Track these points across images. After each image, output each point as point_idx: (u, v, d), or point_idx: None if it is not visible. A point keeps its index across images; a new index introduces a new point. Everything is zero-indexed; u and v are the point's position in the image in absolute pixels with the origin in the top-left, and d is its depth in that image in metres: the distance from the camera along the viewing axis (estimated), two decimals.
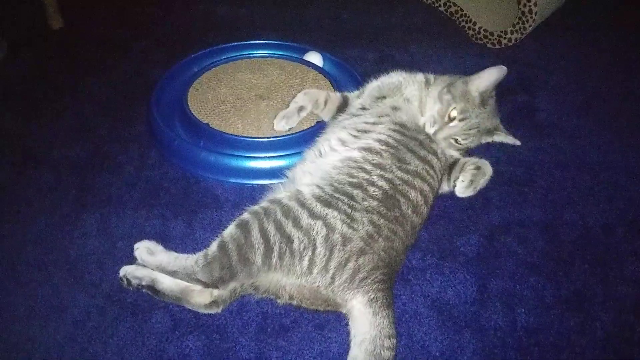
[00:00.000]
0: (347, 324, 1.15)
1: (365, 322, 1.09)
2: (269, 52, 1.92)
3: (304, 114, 1.51)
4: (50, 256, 1.31)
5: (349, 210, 1.14)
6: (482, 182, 1.36)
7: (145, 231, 1.37)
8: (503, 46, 2.14)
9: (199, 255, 1.15)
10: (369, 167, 1.22)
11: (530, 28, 2.06)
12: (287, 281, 1.14)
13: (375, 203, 1.16)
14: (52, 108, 1.80)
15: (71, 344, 1.14)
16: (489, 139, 1.39)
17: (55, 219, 1.41)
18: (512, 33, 2.10)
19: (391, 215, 1.16)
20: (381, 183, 1.19)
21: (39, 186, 1.50)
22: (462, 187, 1.35)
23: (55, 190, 1.49)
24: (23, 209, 1.44)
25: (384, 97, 1.41)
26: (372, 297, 1.10)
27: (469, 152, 1.44)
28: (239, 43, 1.92)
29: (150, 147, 1.62)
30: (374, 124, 1.33)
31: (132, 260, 1.23)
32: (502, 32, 2.12)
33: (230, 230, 1.15)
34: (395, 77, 1.46)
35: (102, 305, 1.21)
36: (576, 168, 1.61)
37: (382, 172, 1.21)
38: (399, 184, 1.20)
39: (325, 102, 1.51)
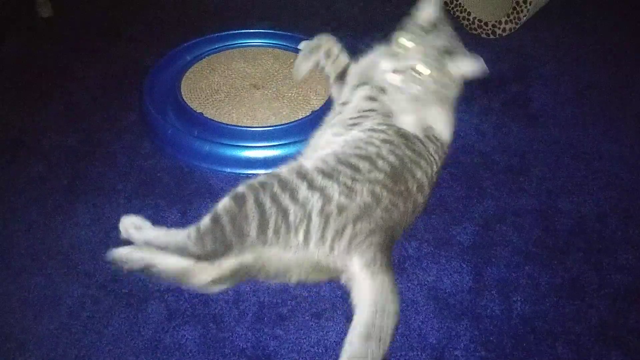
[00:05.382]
0: (344, 312, 1.15)
1: (365, 285, 1.09)
2: (264, 41, 1.90)
3: (320, 53, 1.57)
4: (42, 246, 1.30)
5: (349, 183, 1.12)
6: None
7: None
8: (497, 36, 2.14)
9: (191, 229, 1.13)
10: (377, 142, 1.20)
11: (524, 18, 2.05)
12: (285, 256, 1.12)
13: (381, 176, 1.14)
14: (42, 96, 1.77)
15: (65, 334, 1.13)
16: (453, 66, 1.27)
17: (47, 209, 1.39)
18: (506, 23, 2.10)
19: (396, 189, 1.15)
20: (392, 159, 1.17)
21: (30, 175, 1.48)
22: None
23: (47, 179, 1.47)
24: (14, 198, 1.42)
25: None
26: (369, 257, 1.10)
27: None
28: (233, 32, 1.90)
29: (143, 136, 1.61)
30: (364, 117, 1.30)
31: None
32: (496, 22, 2.12)
33: (224, 202, 1.13)
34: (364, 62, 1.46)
35: (96, 296, 1.20)
36: (570, 157, 1.61)
37: (391, 148, 1.19)
38: (408, 162, 1.19)
39: (337, 56, 1.55)
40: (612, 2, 2.46)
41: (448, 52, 1.27)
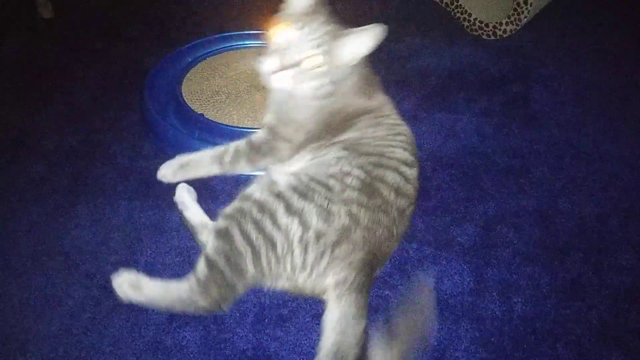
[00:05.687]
0: None
1: (332, 306, 1.05)
2: (264, 42, 1.90)
3: None
4: (43, 247, 1.30)
5: (325, 203, 1.07)
6: None
7: (140, 222, 1.36)
8: (498, 37, 2.14)
9: (191, 281, 1.09)
10: (332, 160, 1.15)
11: (525, 19, 2.05)
12: (278, 284, 1.12)
13: (354, 194, 1.08)
14: (42, 96, 1.77)
15: (66, 335, 1.13)
16: (344, 49, 1.16)
17: (48, 209, 1.39)
18: (507, 24, 2.10)
19: (372, 204, 1.09)
20: (356, 172, 1.11)
21: (31, 175, 1.48)
22: None
23: (47, 179, 1.47)
24: (15, 198, 1.42)
25: None
26: (341, 277, 1.05)
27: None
28: (234, 33, 1.90)
29: (144, 137, 1.61)
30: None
31: (126, 250, 1.21)
32: (497, 23, 2.12)
33: (213, 244, 1.09)
34: None
35: (97, 297, 1.20)
36: (571, 158, 1.61)
37: (347, 160, 1.13)
38: (372, 169, 1.12)
39: None
40: (612, 2, 2.47)
41: (335, 36, 1.15)
